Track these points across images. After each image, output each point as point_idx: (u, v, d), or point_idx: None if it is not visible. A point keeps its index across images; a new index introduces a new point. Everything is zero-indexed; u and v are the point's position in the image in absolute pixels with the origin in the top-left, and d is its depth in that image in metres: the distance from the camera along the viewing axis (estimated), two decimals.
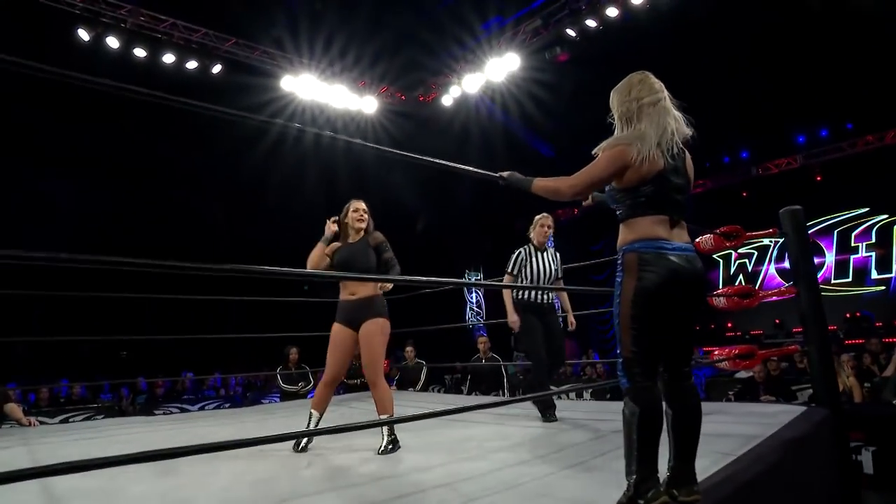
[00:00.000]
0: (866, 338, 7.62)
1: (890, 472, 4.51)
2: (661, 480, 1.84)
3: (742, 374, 6.84)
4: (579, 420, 3.77)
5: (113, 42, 7.93)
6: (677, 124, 1.99)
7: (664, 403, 1.90)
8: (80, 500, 2.29)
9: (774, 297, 3.79)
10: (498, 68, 9.94)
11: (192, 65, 8.57)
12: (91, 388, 8.70)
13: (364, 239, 3.40)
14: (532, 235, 4.24)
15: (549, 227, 4.22)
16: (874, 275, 12.10)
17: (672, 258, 1.87)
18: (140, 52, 8.15)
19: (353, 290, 3.29)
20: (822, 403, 3.33)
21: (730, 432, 2.81)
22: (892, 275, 12.04)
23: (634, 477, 1.77)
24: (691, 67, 9.24)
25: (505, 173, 2.46)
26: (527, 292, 4.04)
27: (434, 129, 11.29)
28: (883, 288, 11.98)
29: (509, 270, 4.14)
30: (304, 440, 3.22)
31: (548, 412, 3.84)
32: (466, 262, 15.76)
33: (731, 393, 6.45)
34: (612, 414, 3.66)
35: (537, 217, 4.27)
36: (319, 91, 9.89)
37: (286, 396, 6.61)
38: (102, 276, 8.94)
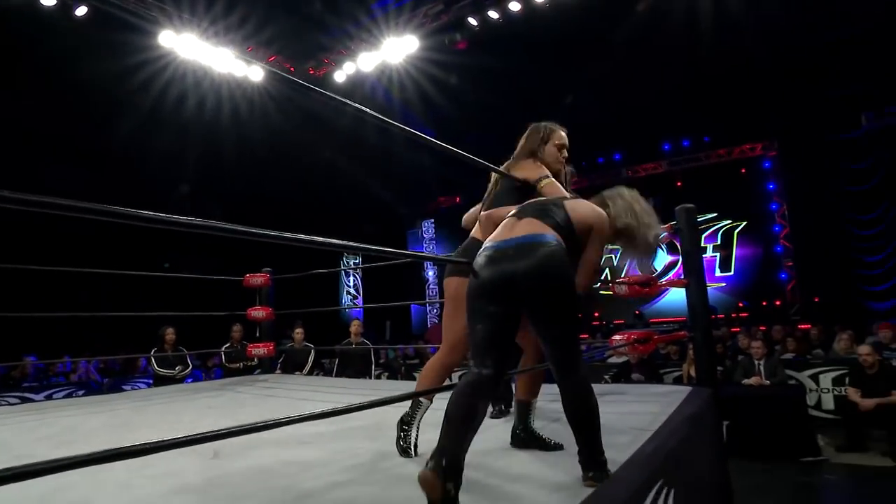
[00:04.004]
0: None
1: (739, 441, 5.30)
2: None
3: (615, 360, 7.42)
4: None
5: None
6: None
7: None
8: None
9: (668, 287, 4.11)
10: (395, 49, 9.77)
11: (48, 1, 7.37)
12: None
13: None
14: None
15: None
16: (717, 273, 13.75)
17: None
18: None
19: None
20: (704, 384, 3.68)
21: (638, 411, 3.00)
22: (731, 273, 13.77)
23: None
24: (579, 71, 9.74)
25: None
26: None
27: (328, 105, 10.82)
28: (724, 284, 13.66)
29: None
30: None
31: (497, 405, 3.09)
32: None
33: (606, 376, 6.96)
34: None
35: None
36: (202, 52, 9.03)
37: (160, 381, 5.99)
38: None
